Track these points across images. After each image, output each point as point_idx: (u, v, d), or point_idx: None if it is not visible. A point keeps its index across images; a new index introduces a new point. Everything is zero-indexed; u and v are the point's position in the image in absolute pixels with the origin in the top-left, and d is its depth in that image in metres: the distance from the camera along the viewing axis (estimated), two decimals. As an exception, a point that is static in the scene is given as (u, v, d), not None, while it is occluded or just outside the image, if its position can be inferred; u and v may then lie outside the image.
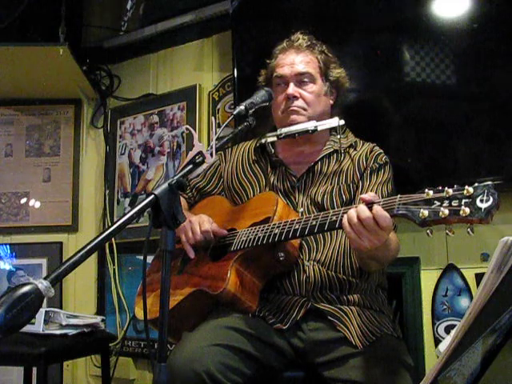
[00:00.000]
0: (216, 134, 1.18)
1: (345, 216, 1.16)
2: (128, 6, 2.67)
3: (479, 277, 1.86)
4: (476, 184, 1.00)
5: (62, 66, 2.60)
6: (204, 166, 1.12)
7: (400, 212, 1.10)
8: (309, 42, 1.60)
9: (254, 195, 1.58)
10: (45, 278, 0.77)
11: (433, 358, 1.90)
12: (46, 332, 2.06)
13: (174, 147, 2.69)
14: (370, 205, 1.13)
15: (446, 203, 1.02)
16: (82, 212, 2.91)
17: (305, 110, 1.54)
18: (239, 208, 1.59)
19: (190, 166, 1.10)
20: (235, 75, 2.32)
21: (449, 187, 1.02)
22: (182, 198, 1.63)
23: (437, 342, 1.92)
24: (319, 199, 1.49)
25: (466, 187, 1.00)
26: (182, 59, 2.77)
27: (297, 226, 1.30)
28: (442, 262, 1.97)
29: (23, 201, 2.92)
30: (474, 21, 1.83)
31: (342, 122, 1.56)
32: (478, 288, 0.70)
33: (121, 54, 2.94)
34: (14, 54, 2.51)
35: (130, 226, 0.99)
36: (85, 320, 2.22)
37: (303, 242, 1.46)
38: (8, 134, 2.99)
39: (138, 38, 2.86)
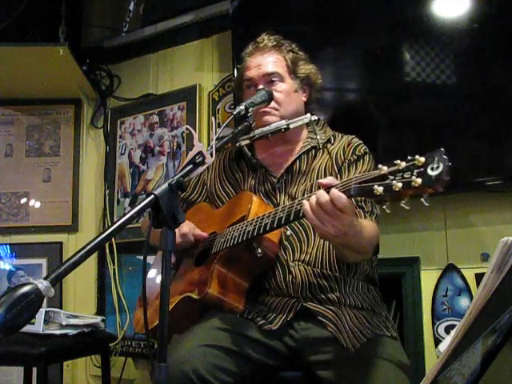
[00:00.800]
0: (216, 133, 1.18)
1: (306, 203, 1.15)
2: (130, 7, 2.67)
3: (479, 277, 1.86)
4: (428, 153, 0.97)
5: (62, 65, 2.60)
6: (204, 166, 1.12)
7: (356, 192, 1.08)
8: (274, 42, 1.58)
9: None
10: (45, 278, 0.77)
11: (433, 357, 1.89)
12: (46, 332, 2.07)
13: (174, 147, 2.69)
14: (328, 189, 1.12)
15: (399, 176, 0.99)
16: (82, 212, 2.91)
17: (276, 109, 1.52)
18: (219, 211, 1.60)
19: (190, 166, 1.10)
20: (235, 75, 2.32)
21: (402, 160, 1.00)
22: None
23: (437, 341, 1.92)
24: (299, 197, 1.49)
25: (417, 157, 0.97)
26: (182, 59, 2.77)
27: (267, 221, 1.30)
28: (441, 262, 1.97)
29: (23, 201, 2.92)
30: (473, 21, 1.82)
31: (315, 117, 1.55)
32: (477, 288, 0.70)
33: (121, 54, 2.94)
34: (14, 54, 2.51)
35: (129, 225, 0.99)
36: (85, 320, 2.22)
37: (286, 242, 1.45)
38: (8, 134, 2.99)
39: (138, 38, 2.86)
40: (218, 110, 2.59)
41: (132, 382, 2.64)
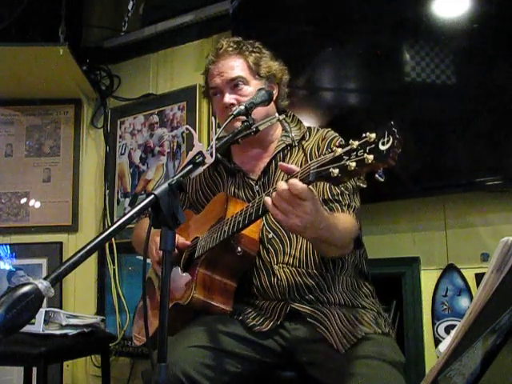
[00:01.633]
0: (216, 134, 1.18)
1: (267, 198, 1.15)
2: (129, 7, 2.67)
3: (479, 277, 1.86)
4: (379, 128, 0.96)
5: (62, 66, 2.60)
6: (205, 166, 1.11)
7: (315, 176, 1.07)
8: (234, 45, 1.56)
9: None
10: (45, 278, 0.77)
11: (433, 358, 1.89)
12: (46, 332, 2.07)
13: (174, 147, 2.69)
14: (289, 177, 1.12)
15: (353, 156, 0.98)
16: (82, 212, 2.91)
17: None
18: (199, 216, 1.60)
19: (190, 166, 1.10)
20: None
21: (355, 139, 0.99)
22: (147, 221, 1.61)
23: (437, 342, 1.91)
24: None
25: (368, 133, 0.96)
26: (182, 59, 2.77)
27: (239, 218, 1.30)
28: (441, 262, 1.97)
29: (23, 201, 2.92)
30: (473, 21, 1.82)
31: (282, 116, 1.55)
32: (478, 288, 0.70)
33: (121, 54, 2.94)
34: (14, 53, 2.51)
35: (129, 225, 0.99)
36: (85, 320, 2.22)
37: (269, 245, 1.45)
38: (8, 134, 2.99)
39: (138, 38, 2.86)
40: (218, 110, 2.59)
41: (132, 382, 2.64)
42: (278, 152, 1.55)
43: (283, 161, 1.54)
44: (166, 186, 0.99)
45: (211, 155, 1.11)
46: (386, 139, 0.93)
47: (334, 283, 1.43)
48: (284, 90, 1.63)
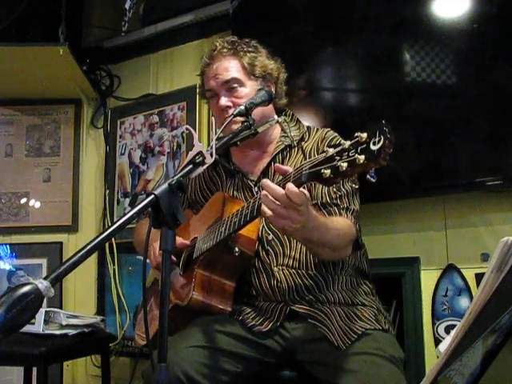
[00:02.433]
0: (216, 134, 1.18)
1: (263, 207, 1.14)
2: (127, 6, 2.67)
3: (479, 277, 1.86)
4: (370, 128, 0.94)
5: (62, 66, 2.60)
6: (205, 166, 1.11)
7: (307, 177, 1.07)
8: (229, 46, 1.56)
9: None
10: (45, 278, 0.77)
11: (433, 357, 1.89)
12: (46, 332, 2.07)
13: (174, 147, 2.69)
14: (284, 179, 1.13)
15: (345, 156, 0.97)
16: (82, 212, 2.91)
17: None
18: (198, 216, 1.60)
19: (190, 166, 1.10)
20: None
21: (347, 139, 0.98)
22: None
23: (437, 341, 1.91)
24: None
25: (359, 133, 0.95)
26: (182, 59, 2.77)
27: (235, 219, 1.30)
28: (441, 262, 1.96)
29: (23, 201, 2.92)
30: (473, 21, 1.82)
31: (281, 118, 1.54)
32: (478, 288, 0.70)
33: (121, 53, 2.94)
34: (14, 54, 2.51)
35: (129, 225, 0.99)
36: (85, 320, 2.22)
37: (269, 247, 1.45)
38: (8, 134, 2.99)
39: (138, 38, 2.86)
40: (218, 110, 2.59)
41: (132, 382, 2.64)
42: (278, 153, 1.54)
43: (282, 162, 1.54)
44: (165, 185, 0.99)
45: (211, 155, 1.11)
46: (377, 139, 0.91)
47: (333, 283, 1.44)
48: (282, 88, 1.62)
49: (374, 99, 2.06)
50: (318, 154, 1.47)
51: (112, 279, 2.72)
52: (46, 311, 2.11)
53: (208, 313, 1.41)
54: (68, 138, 2.98)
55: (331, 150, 1.00)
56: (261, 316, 1.41)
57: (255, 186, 1.53)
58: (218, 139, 1.17)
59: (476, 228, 1.93)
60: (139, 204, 0.95)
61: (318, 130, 1.60)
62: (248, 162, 1.59)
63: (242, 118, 1.45)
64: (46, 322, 2.10)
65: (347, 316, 1.37)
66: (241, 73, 1.54)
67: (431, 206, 1.99)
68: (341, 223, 1.34)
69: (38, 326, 2.05)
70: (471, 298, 1.89)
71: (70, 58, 2.53)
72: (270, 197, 1.11)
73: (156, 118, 2.77)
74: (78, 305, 2.80)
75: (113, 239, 2.64)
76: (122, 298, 2.69)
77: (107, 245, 2.71)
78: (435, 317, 1.94)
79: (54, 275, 0.78)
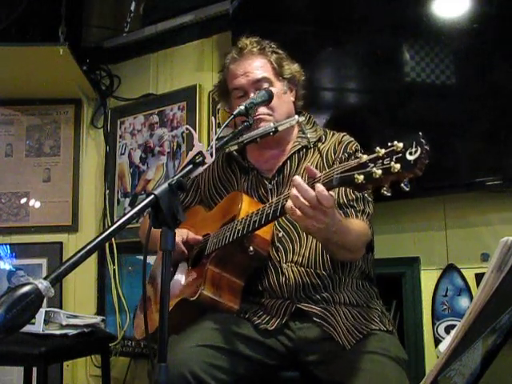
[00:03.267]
0: (216, 134, 1.18)
1: (288, 200, 1.15)
2: (132, 7, 2.67)
3: (479, 277, 1.86)
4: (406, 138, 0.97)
5: (62, 66, 2.60)
6: (205, 166, 1.12)
7: (338, 182, 1.08)
8: (258, 46, 1.56)
9: None
10: (45, 278, 0.77)
11: (433, 358, 1.90)
12: (46, 332, 2.07)
13: (174, 147, 2.69)
14: (313, 181, 1.13)
15: (379, 163, 0.98)
16: (82, 212, 2.91)
17: (270, 115, 1.51)
18: (212, 213, 1.60)
19: (190, 166, 1.10)
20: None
21: (381, 147, 0.99)
22: None
23: (437, 342, 1.92)
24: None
25: (396, 142, 0.96)
26: (182, 59, 2.77)
27: (255, 218, 1.30)
28: (441, 262, 1.97)
29: (23, 201, 2.92)
30: (473, 21, 1.82)
31: (302, 118, 1.55)
32: (478, 288, 0.70)
33: (121, 53, 2.94)
34: (14, 54, 2.51)
35: (129, 225, 0.98)
36: (85, 320, 2.22)
37: (279, 244, 1.45)
38: (8, 134, 2.99)
39: (138, 38, 2.86)
40: (218, 110, 2.59)
41: (132, 382, 2.64)
42: (294, 153, 1.55)
43: (298, 162, 1.55)
44: (165, 185, 0.99)
45: (211, 155, 1.11)
46: (413, 149, 0.94)
47: (339, 283, 1.44)
48: (300, 91, 1.64)
49: (374, 99, 2.06)
50: (334, 156, 1.51)
51: (112, 279, 2.72)
52: (46, 311, 2.11)
53: (216, 309, 1.41)
54: (68, 138, 2.98)
55: (365, 157, 1.02)
56: (267, 314, 1.41)
57: (270, 183, 1.54)
58: (217, 139, 1.17)
59: (476, 228, 1.93)
60: (139, 204, 0.95)
61: (334, 133, 1.61)
62: (264, 160, 1.59)
63: (271, 117, 1.49)
64: (46, 321, 2.10)
65: (353, 316, 1.37)
66: (271, 72, 1.55)
67: (431, 206, 1.99)
68: (359, 226, 1.36)
69: (38, 326, 2.05)
70: (471, 297, 1.89)
71: (70, 58, 2.53)
72: (301, 197, 1.11)
73: (156, 118, 2.78)
74: (78, 305, 2.80)
75: (113, 239, 2.64)
76: (122, 298, 2.69)
77: (107, 245, 2.71)
78: (435, 317, 1.95)
79: (54, 275, 0.78)
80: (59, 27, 2.55)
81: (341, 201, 1.44)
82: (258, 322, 1.40)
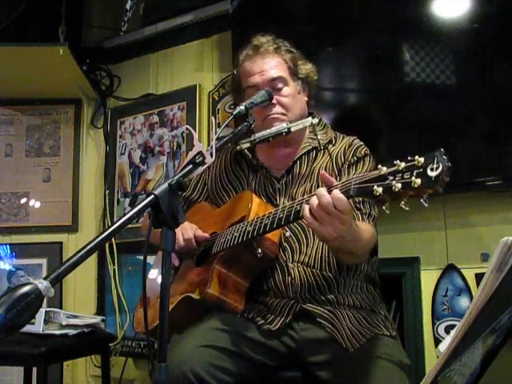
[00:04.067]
0: (216, 133, 1.18)
1: (306, 206, 1.14)
2: (128, 6, 2.66)
3: (479, 277, 1.86)
4: (427, 153, 0.96)
5: (62, 66, 2.60)
6: (204, 166, 1.11)
7: (356, 192, 1.07)
8: (274, 45, 1.56)
9: None
10: (45, 278, 0.77)
11: (433, 357, 1.90)
12: (46, 332, 2.06)
13: (174, 147, 2.69)
14: (329, 189, 1.12)
15: (398, 177, 0.98)
16: (82, 212, 2.91)
17: (284, 114, 1.51)
18: (219, 211, 1.60)
19: (190, 166, 1.10)
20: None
21: (402, 160, 0.99)
22: None
23: (437, 342, 1.92)
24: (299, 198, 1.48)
25: (417, 157, 0.96)
26: (182, 59, 2.77)
27: (267, 221, 1.30)
28: (442, 262, 1.97)
29: (23, 201, 2.92)
30: (473, 21, 1.83)
31: (316, 120, 1.55)
32: (478, 288, 0.70)
33: (121, 54, 2.94)
34: (14, 54, 2.51)
35: (129, 225, 0.98)
36: (85, 320, 2.22)
37: (286, 243, 1.45)
38: (8, 134, 2.99)
39: (138, 38, 2.86)
40: (218, 110, 2.59)
41: (132, 382, 2.64)
42: (304, 153, 1.55)
43: (308, 163, 1.55)
44: (166, 185, 0.99)
45: (211, 155, 1.11)
46: (435, 166, 0.93)
47: (344, 285, 1.44)
48: (313, 91, 1.65)
49: (374, 99, 2.06)
50: (344, 159, 1.52)
51: (112, 279, 2.72)
52: (46, 311, 2.11)
53: (220, 309, 1.41)
54: (68, 137, 2.98)
55: (384, 169, 1.01)
56: (271, 314, 1.41)
57: (278, 182, 1.54)
58: (218, 139, 1.17)
59: (476, 228, 1.93)
60: (139, 204, 0.95)
61: (344, 136, 1.61)
62: (274, 159, 1.59)
63: (285, 117, 1.49)
64: (46, 321, 2.10)
65: (356, 319, 1.37)
66: (286, 72, 1.55)
67: (431, 206, 1.98)
68: (368, 232, 1.35)
69: (37, 325, 2.05)
70: (471, 298, 1.89)
71: (70, 58, 2.52)
72: (315, 202, 1.11)
73: (156, 118, 2.77)
74: (78, 305, 2.80)
75: (113, 239, 2.64)
76: (122, 298, 2.69)
77: (107, 245, 2.71)
78: (435, 317, 1.95)
79: (54, 275, 0.78)
80: (59, 27, 2.55)
81: None
82: (261, 322, 1.40)
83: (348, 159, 1.51)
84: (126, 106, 2.89)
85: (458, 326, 0.71)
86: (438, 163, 0.93)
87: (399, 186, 0.97)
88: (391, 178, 0.99)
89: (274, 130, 1.48)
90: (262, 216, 1.33)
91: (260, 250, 1.38)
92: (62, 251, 2.84)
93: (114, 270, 2.72)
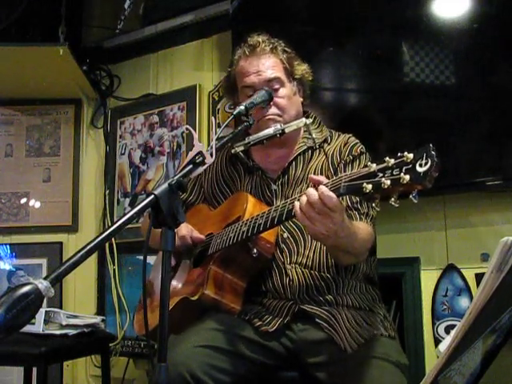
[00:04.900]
0: (216, 134, 1.18)
1: (296, 204, 1.15)
2: (126, 5, 2.66)
3: (479, 277, 1.86)
4: (417, 149, 0.95)
5: (62, 66, 2.60)
6: (205, 166, 1.11)
7: (346, 190, 1.07)
8: (270, 45, 1.55)
9: None
10: (45, 278, 0.77)
11: (433, 357, 1.89)
12: (46, 332, 2.06)
13: (174, 147, 2.69)
14: (317, 187, 1.12)
15: (388, 173, 0.98)
16: (82, 212, 2.91)
17: (280, 115, 1.50)
18: (215, 212, 1.60)
19: (190, 166, 1.10)
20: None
21: (391, 157, 0.99)
22: None
23: (437, 342, 1.92)
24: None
25: (406, 153, 0.96)
26: (182, 59, 2.77)
27: (260, 221, 1.30)
28: (442, 262, 1.97)
29: (23, 201, 2.92)
30: (473, 21, 1.82)
31: (309, 120, 1.54)
32: (478, 288, 0.70)
33: (121, 54, 2.94)
34: (14, 54, 2.51)
35: (129, 225, 0.98)
36: (85, 320, 2.22)
37: (283, 245, 1.45)
38: (8, 134, 2.99)
39: (138, 37, 2.86)
40: (218, 110, 2.59)
41: (132, 382, 2.64)
42: (300, 154, 1.55)
43: (304, 163, 1.54)
44: (166, 185, 0.99)
45: (211, 155, 1.11)
46: (424, 161, 0.93)
47: (343, 286, 1.44)
48: (307, 91, 1.64)
49: (374, 99, 2.06)
50: (340, 158, 1.51)
51: (112, 279, 2.72)
52: (46, 311, 2.11)
53: (217, 310, 1.41)
54: (68, 137, 2.98)
55: (374, 166, 1.01)
56: (268, 315, 1.41)
57: (274, 183, 1.54)
58: (218, 139, 1.17)
59: (476, 228, 1.93)
60: (139, 204, 0.95)
61: (339, 134, 1.60)
62: (269, 161, 1.58)
63: (281, 118, 1.48)
64: (46, 321, 2.10)
65: (355, 320, 1.37)
66: (282, 72, 1.54)
67: (431, 206, 1.98)
68: (365, 231, 1.35)
69: (37, 325, 2.05)
70: (471, 297, 1.89)
71: (70, 58, 2.52)
72: (305, 200, 1.11)
73: (156, 118, 2.77)
74: (78, 305, 2.80)
75: (113, 239, 2.64)
76: (122, 298, 2.69)
77: (107, 245, 2.71)
78: (435, 317, 1.95)
79: (54, 275, 0.78)
80: (59, 27, 2.55)
81: (345, 203, 1.43)
82: (258, 323, 1.39)
83: (344, 158, 1.51)
84: (125, 106, 2.89)
85: (458, 326, 0.71)
86: (426, 159, 0.93)
87: (388, 182, 0.97)
88: (381, 174, 0.99)
89: (267, 132, 1.46)
90: (256, 216, 1.33)
91: (255, 250, 1.38)
92: (62, 251, 2.84)
93: (114, 269, 2.72)
